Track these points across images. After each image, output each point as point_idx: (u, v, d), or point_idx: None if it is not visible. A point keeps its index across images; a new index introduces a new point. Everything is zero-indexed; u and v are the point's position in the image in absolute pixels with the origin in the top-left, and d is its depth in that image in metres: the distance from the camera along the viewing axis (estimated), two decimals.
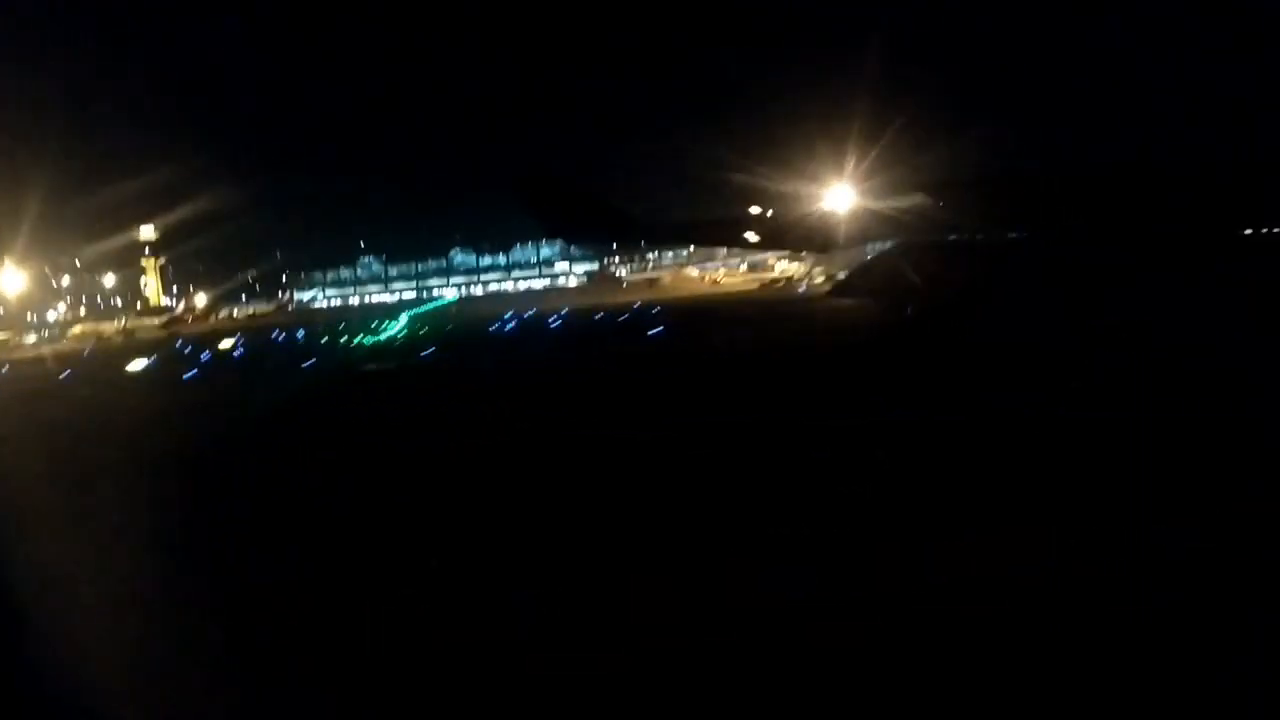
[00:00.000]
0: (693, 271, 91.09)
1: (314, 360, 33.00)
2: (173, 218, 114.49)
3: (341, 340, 47.83)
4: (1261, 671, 5.61)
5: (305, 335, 56.73)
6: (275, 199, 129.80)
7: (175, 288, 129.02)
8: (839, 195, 63.76)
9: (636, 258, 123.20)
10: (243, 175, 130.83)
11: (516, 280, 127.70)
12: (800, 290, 59.29)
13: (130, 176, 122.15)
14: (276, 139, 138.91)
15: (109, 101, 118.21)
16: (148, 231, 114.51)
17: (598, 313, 49.80)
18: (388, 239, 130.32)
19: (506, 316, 53.44)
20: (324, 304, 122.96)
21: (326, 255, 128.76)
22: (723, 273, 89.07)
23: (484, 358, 30.83)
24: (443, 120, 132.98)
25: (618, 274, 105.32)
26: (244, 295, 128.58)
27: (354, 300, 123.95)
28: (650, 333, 32.23)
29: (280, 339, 56.09)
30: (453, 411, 19.20)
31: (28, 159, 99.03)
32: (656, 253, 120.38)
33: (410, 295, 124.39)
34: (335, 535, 10.17)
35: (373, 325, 58.80)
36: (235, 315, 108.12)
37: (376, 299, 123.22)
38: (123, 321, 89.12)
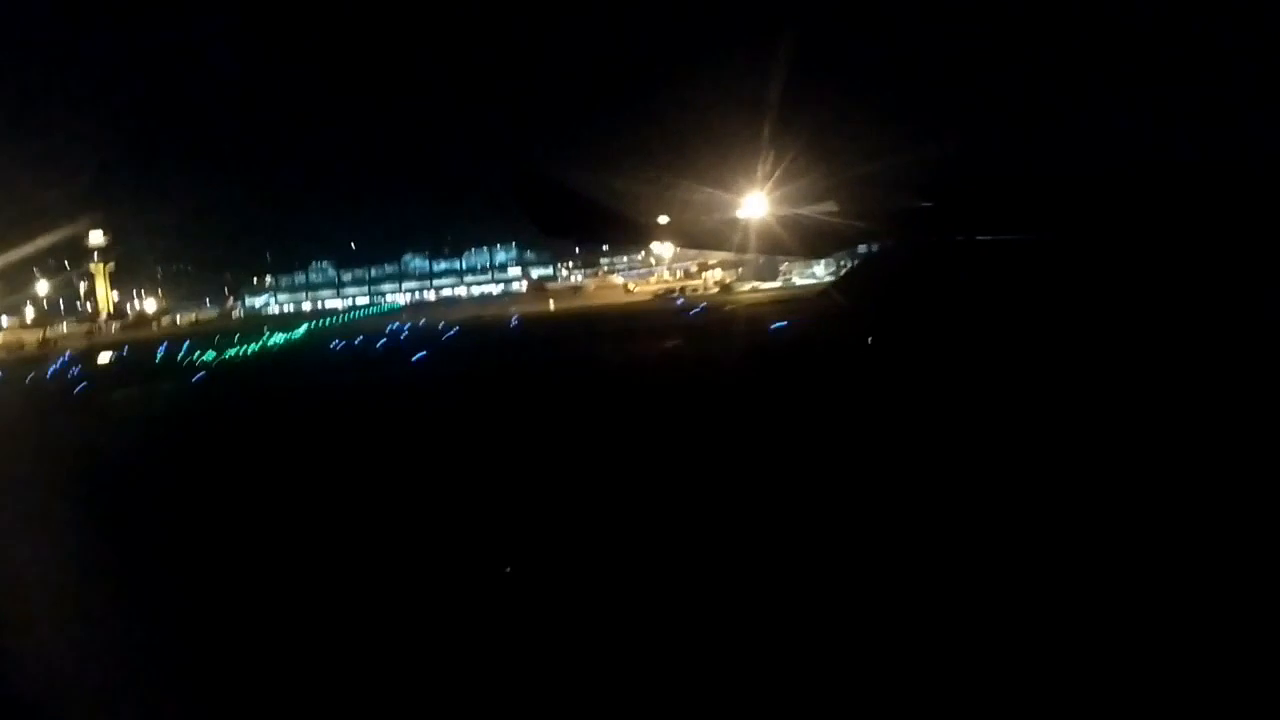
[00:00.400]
0: (617, 279, 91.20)
1: (84, 383, 33.09)
2: (124, 222, 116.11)
3: (195, 355, 47.99)
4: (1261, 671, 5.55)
5: (188, 347, 56.85)
6: (231, 203, 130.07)
7: (141, 292, 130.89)
8: (756, 202, 63.70)
9: (591, 264, 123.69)
10: (197, 179, 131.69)
11: (469, 285, 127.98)
12: (678, 301, 59.24)
13: (87, 177, 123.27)
14: (231, 141, 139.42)
15: (73, 100, 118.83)
16: (97, 237, 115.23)
17: (453, 327, 49.82)
18: (344, 243, 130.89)
19: (387, 329, 53.59)
20: (276, 309, 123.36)
21: (283, 260, 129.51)
22: (653, 280, 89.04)
23: (235, 387, 30.87)
24: (399, 123, 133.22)
25: (545, 283, 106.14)
26: (208, 300, 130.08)
27: (306, 305, 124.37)
28: (413, 358, 32.19)
29: (162, 350, 56.27)
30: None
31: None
32: (611, 259, 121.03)
33: (363, 300, 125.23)
34: None
35: (252, 337, 59.08)
36: (179, 321, 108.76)
37: (329, 304, 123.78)
38: (45, 330, 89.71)
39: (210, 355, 46.72)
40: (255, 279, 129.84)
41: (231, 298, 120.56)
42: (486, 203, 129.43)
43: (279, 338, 58.78)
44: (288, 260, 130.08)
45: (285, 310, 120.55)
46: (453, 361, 31.02)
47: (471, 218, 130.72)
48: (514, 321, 48.88)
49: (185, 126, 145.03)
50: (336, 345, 44.95)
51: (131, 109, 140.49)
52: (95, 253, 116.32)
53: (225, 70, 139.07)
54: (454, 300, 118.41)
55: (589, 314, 53.84)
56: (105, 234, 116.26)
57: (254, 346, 50.91)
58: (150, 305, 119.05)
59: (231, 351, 47.95)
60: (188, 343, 60.39)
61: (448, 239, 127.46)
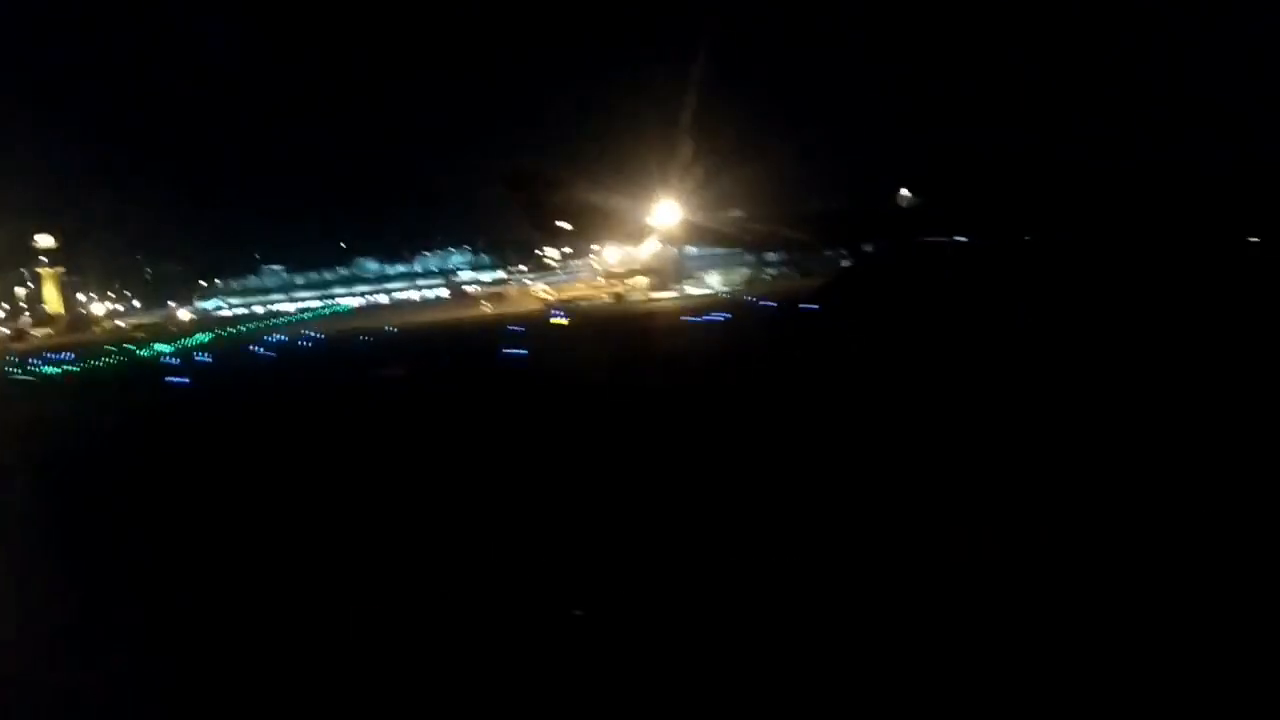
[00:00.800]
0: (541, 285, 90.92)
1: None
2: (75, 226, 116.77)
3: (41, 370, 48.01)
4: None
5: (60, 359, 56.91)
6: (195, 207, 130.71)
7: (111, 294, 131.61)
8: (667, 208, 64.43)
9: (543, 268, 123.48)
10: (161, 184, 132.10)
11: (421, 288, 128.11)
12: (553, 313, 58.79)
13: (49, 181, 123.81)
14: (196, 145, 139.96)
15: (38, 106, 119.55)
16: (46, 240, 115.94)
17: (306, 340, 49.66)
18: (302, 246, 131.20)
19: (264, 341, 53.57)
20: (228, 312, 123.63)
21: (236, 262, 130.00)
22: (579, 286, 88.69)
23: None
24: (354, 124, 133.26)
25: (468, 289, 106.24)
26: (171, 302, 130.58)
27: (258, 308, 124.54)
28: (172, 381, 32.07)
29: (34, 363, 56.34)
30: None
31: None
32: (564, 263, 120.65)
33: (315, 303, 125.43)
34: None
35: (143, 346, 59.25)
36: (121, 325, 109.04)
37: (280, 306, 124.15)
38: None
39: (50, 370, 46.70)
40: (219, 281, 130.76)
41: (176, 301, 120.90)
42: (443, 205, 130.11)
43: (159, 348, 58.69)
44: (249, 262, 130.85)
45: (235, 313, 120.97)
46: (195, 389, 30.80)
47: (428, 220, 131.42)
48: (364, 338, 48.57)
49: (150, 129, 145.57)
50: (167, 360, 44.83)
51: (97, 113, 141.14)
52: (44, 256, 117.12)
53: (189, 76, 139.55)
54: (404, 303, 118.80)
55: (435, 327, 53.66)
56: (56, 238, 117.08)
57: (110, 360, 50.84)
58: (100, 309, 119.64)
59: (74, 368, 47.86)
60: (69, 354, 60.55)
61: (364, 241, 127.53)
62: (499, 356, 28.10)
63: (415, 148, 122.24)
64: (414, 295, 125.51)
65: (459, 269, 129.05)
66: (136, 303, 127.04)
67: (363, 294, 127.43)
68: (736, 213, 73.04)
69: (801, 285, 64.12)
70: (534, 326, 42.76)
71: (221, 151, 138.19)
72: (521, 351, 28.40)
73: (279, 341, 52.96)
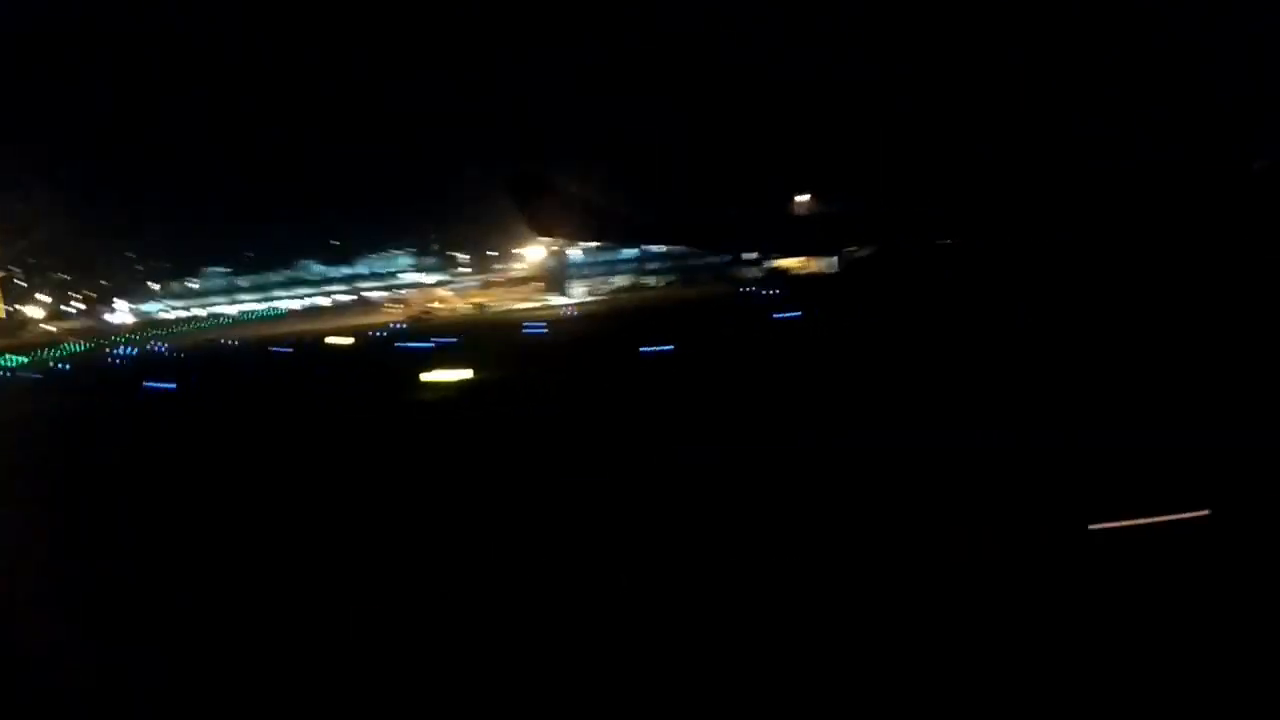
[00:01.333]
0: (445, 292, 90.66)
1: None
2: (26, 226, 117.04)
3: None
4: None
5: None
6: (140, 205, 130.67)
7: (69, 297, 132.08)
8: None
9: (486, 269, 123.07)
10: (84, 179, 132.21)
11: (361, 291, 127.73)
12: (395, 323, 58.18)
13: None
14: (122, 138, 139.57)
15: None
16: None
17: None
18: (252, 247, 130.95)
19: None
20: (169, 315, 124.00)
21: (186, 263, 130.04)
22: (493, 293, 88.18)
23: None
24: (300, 123, 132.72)
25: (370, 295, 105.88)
26: (121, 303, 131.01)
27: (199, 311, 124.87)
28: None
29: None
30: None
31: None
32: (507, 264, 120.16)
33: (256, 306, 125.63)
34: None
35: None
36: (50, 329, 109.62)
37: (221, 309, 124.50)
38: None
39: None
40: (174, 283, 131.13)
41: (128, 303, 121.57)
42: (393, 205, 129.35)
43: (16, 359, 58.97)
44: (196, 263, 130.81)
45: (170, 316, 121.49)
46: None
47: (372, 222, 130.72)
48: (180, 355, 48.13)
49: (106, 125, 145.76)
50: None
51: (51, 112, 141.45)
52: None
53: (143, 77, 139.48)
54: (345, 306, 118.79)
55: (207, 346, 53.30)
56: None
57: None
58: (38, 312, 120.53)
59: None
60: None
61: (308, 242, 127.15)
62: (146, 392, 27.31)
63: (370, 148, 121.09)
64: (344, 300, 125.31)
65: (403, 271, 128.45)
66: (118, 303, 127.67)
67: (301, 297, 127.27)
68: (620, 218, 72.04)
69: (668, 296, 63.13)
70: (304, 347, 41.98)
71: (178, 153, 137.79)
72: (170, 385, 27.59)
73: (111, 355, 52.63)
